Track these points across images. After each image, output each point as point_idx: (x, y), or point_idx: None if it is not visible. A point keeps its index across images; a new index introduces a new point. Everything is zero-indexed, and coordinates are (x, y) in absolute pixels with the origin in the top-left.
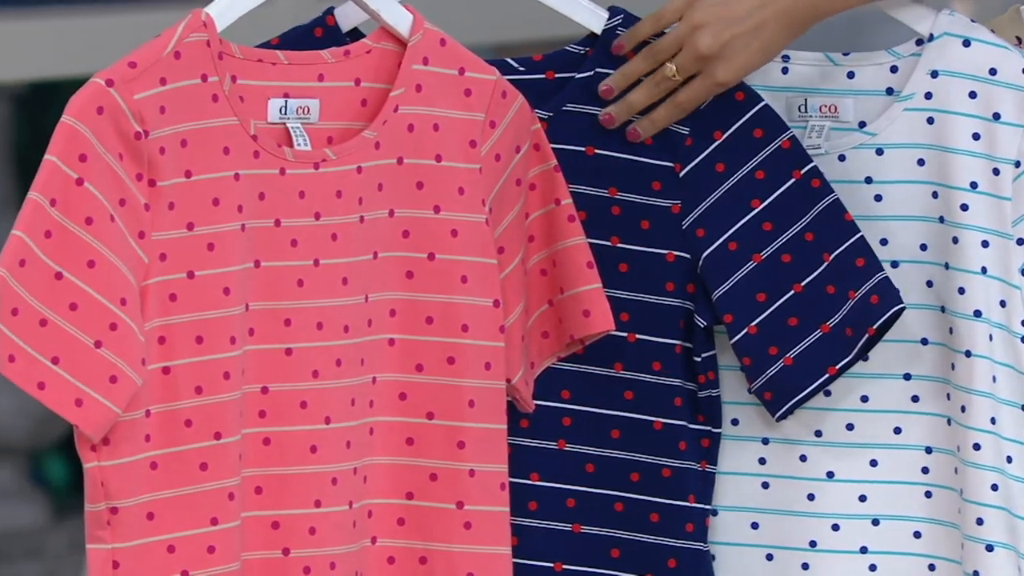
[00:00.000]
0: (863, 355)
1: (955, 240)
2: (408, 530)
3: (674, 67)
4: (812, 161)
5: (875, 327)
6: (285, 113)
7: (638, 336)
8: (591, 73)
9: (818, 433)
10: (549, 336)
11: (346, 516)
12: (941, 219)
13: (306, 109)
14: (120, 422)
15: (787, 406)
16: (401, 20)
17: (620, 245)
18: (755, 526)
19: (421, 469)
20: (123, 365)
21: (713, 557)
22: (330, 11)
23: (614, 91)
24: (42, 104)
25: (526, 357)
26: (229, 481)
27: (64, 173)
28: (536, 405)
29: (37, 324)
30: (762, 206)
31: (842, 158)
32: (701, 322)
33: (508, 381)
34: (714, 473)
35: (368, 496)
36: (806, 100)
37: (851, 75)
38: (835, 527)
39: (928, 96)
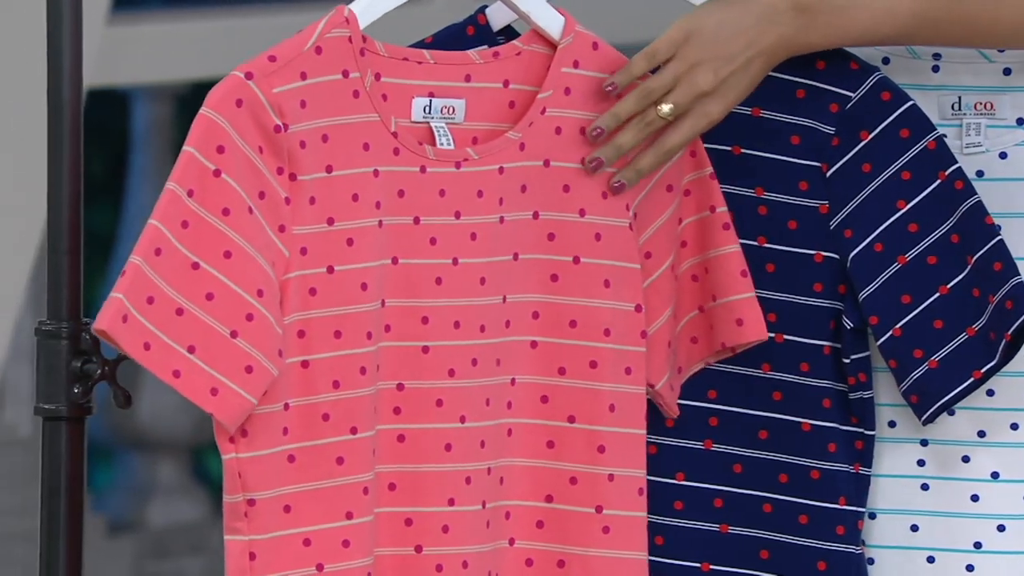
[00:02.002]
0: (1008, 359)
1: None
2: (547, 533)
3: (669, 106)
4: (956, 162)
5: (1010, 332)
6: (429, 112)
7: (786, 337)
8: None
9: (981, 433)
10: (698, 342)
11: (479, 516)
12: None
13: (451, 109)
14: (258, 414)
15: (932, 409)
16: (552, 22)
17: (767, 245)
18: (915, 528)
19: (561, 472)
20: (259, 355)
21: (872, 560)
22: (482, 9)
23: (604, 133)
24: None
25: (673, 362)
26: (364, 476)
27: (201, 164)
28: (682, 405)
29: (173, 313)
30: (907, 207)
31: (1003, 155)
32: (848, 323)
33: (651, 386)
34: (868, 476)
35: (505, 497)
36: (959, 98)
37: (1007, 71)
38: (1000, 528)
39: None
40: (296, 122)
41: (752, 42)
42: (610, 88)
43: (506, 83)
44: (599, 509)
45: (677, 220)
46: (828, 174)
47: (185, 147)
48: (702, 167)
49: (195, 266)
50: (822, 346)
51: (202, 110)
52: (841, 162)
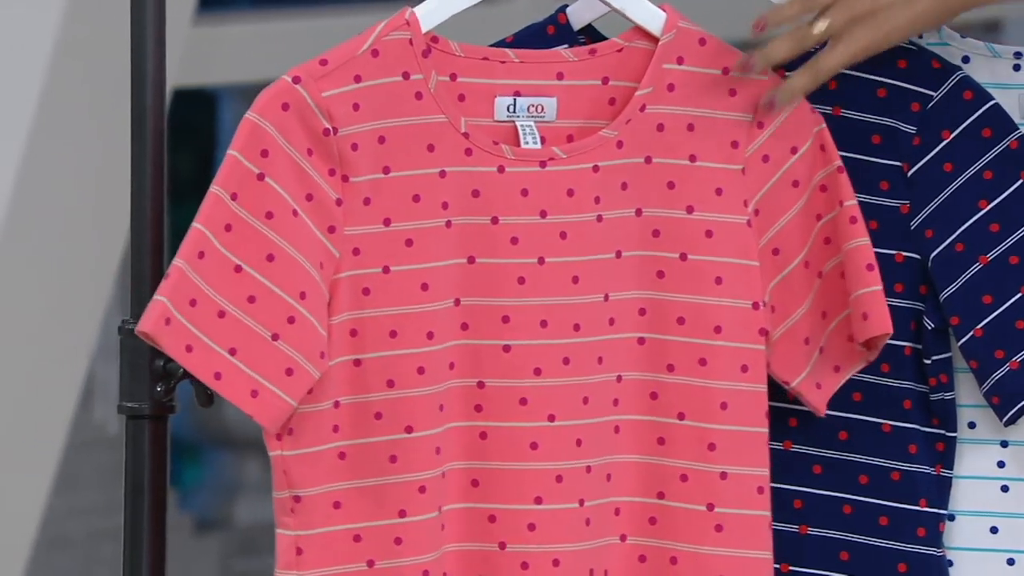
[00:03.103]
0: None
1: None
2: (659, 529)
3: (823, 23)
4: None
5: None
6: (514, 111)
7: None
8: None
9: None
10: (854, 340)
11: (575, 514)
12: None
13: (540, 107)
14: (305, 412)
15: (1014, 411)
16: (651, 17)
17: None
18: (994, 530)
19: (671, 469)
20: (299, 358)
21: (950, 563)
22: (562, 8)
23: (767, 27)
24: None
25: (816, 360)
26: (421, 474)
27: (245, 168)
28: None
29: (215, 315)
30: (989, 207)
31: None
32: (929, 324)
33: (787, 384)
34: (950, 478)
35: (613, 494)
36: None
37: None
38: None
39: None
40: (347, 125)
41: None
42: (757, 27)
43: (605, 80)
44: (711, 507)
45: (814, 216)
46: (909, 174)
47: (229, 151)
48: (831, 161)
49: (237, 269)
50: (903, 347)
51: (247, 114)
52: (922, 162)
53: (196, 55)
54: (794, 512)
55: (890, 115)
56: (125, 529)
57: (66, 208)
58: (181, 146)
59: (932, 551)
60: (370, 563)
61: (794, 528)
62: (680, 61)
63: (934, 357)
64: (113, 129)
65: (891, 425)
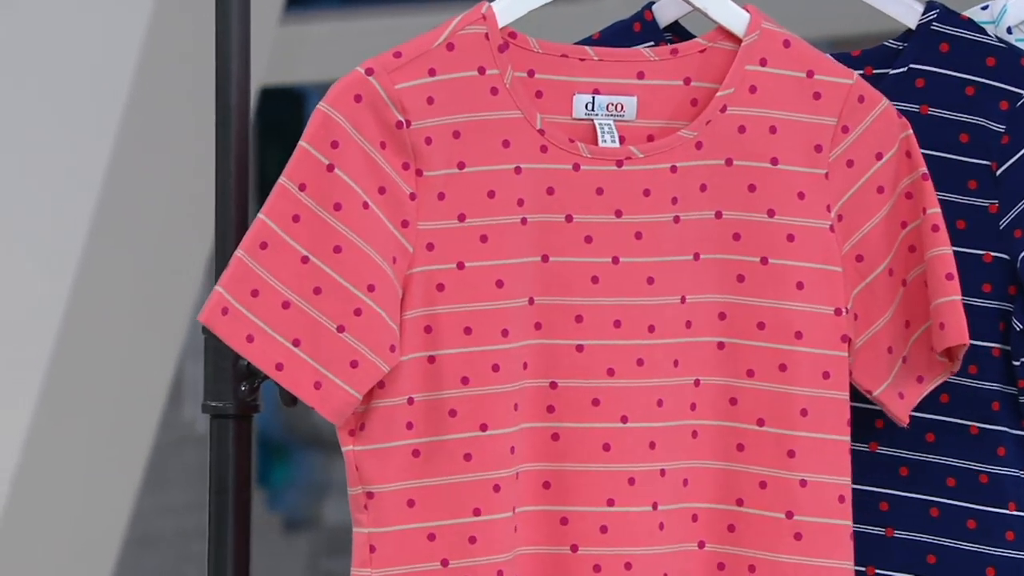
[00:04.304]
0: None
1: None
2: (738, 537)
3: None
4: None
5: None
6: (592, 109)
7: None
8: (905, 69)
9: None
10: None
11: (648, 517)
12: None
13: (620, 106)
14: (378, 408)
15: None
16: (734, 18)
17: None
18: None
19: (751, 476)
20: (365, 351)
21: None
22: (649, 6)
23: None
24: None
25: (899, 370)
26: (495, 473)
27: (315, 159)
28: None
29: (279, 306)
30: None
31: None
32: (1018, 325)
33: (869, 392)
34: None
35: (690, 499)
36: None
37: None
38: None
39: None
40: (421, 118)
41: None
42: None
43: (687, 80)
44: (789, 515)
45: (899, 224)
46: (998, 173)
47: (300, 142)
48: (917, 168)
49: (304, 260)
50: (991, 348)
51: (319, 105)
52: (1011, 161)
53: (284, 54)
54: (880, 514)
55: (978, 113)
56: (210, 528)
57: (154, 208)
58: (269, 145)
59: (1021, 555)
60: (444, 562)
61: (880, 531)
62: (763, 63)
63: (1023, 359)
64: (201, 129)
65: (979, 427)
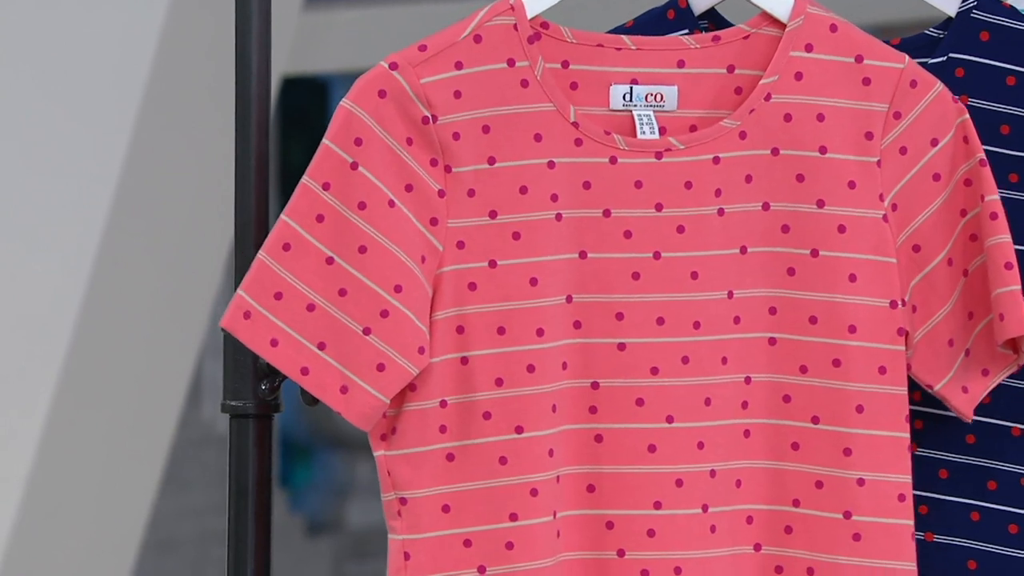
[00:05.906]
0: None
1: None
2: (796, 539)
3: None
4: None
5: None
6: (630, 100)
7: None
8: (944, 58)
9: None
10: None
11: (698, 520)
12: None
13: (659, 96)
14: (410, 411)
15: None
16: (778, 3)
17: None
18: None
19: (806, 475)
20: (393, 353)
21: None
22: None
23: None
24: None
25: (961, 363)
26: (532, 476)
27: (338, 157)
28: None
29: (304, 309)
30: None
31: None
32: None
33: (930, 387)
34: None
35: (744, 501)
36: None
37: None
38: None
39: None
40: (448, 113)
41: None
42: None
43: (731, 68)
44: (847, 515)
45: (959, 212)
46: None
47: (323, 140)
48: (975, 153)
49: (329, 261)
50: None
51: (342, 102)
52: None
53: (307, 42)
54: (920, 518)
55: (1019, 104)
56: (229, 531)
57: (173, 202)
58: (292, 134)
59: None
60: (481, 569)
61: (920, 535)
62: (809, 48)
63: None
64: (220, 121)
65: (1020, 429)
